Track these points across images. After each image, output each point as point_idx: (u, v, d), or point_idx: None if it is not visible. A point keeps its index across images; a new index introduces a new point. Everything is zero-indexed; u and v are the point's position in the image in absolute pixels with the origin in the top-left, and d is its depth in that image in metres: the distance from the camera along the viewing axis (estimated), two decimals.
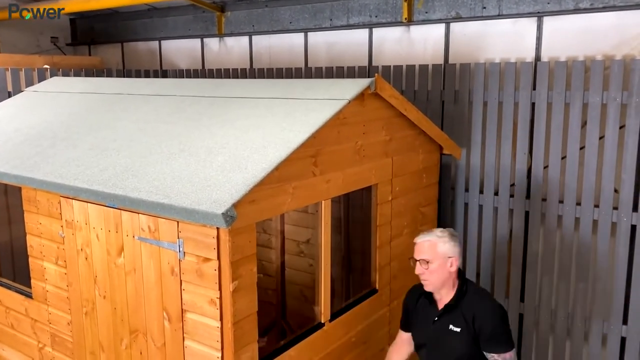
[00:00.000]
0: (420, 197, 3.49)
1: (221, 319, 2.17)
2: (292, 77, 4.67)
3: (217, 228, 2.09)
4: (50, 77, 4.78)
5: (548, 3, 3.59)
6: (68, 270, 2.77)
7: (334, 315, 2.78)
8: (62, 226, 2.75)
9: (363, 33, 4.46)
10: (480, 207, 3.89)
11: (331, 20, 4.59)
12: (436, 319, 2.55)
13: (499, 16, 3.79)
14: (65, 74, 5.03)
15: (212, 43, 5.47)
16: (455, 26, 4.02)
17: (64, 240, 2.76)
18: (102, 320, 2.65)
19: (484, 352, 2.45)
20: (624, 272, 3.44)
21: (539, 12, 3.63)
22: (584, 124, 3.46)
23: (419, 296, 2.68)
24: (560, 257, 3.64)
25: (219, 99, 3.09)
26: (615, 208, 3.42)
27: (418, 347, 2.67)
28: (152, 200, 2.17)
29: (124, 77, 5.71)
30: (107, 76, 5.41)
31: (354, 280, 3.97)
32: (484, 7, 3.84)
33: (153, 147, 2.65)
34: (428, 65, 3.99)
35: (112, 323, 2.61)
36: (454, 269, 2.49)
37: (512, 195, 3.76)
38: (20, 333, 3.21)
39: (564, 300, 3.66)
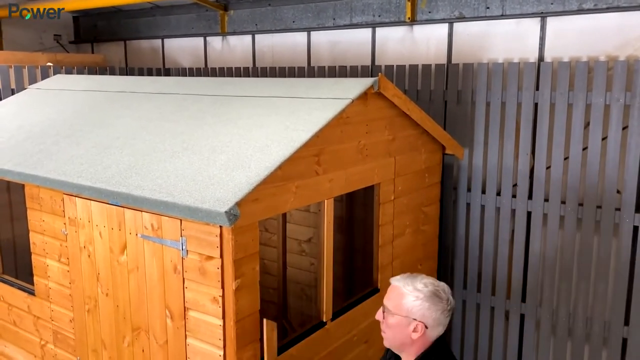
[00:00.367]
0: (423, 196, 3.49)
1: (223, 317, 2.18)
2: (294, 76, 4.67)
3: (220, 226, 2.10)
4: (54, 74, 4.79)
5: (551, 3, 3.58)
6: (71, 267, 2.78)
7: (335, 314, 2.78)
8: (65, 223, 2.76)
9: (366, 32, 4.46)
10: (483, 207, 3.89)
11: (334, 19, 4.58)
12: None
13: (503, 16, 3.78)
14: (69, 71, 5.04)
15: (215, 41, 5.48)
16: (458, 26, 4.02)
17: (66, 238, 2.77)
18: (105, 318, 2.66)
19: None
20: (625, 274, 3.44)
21: (542, 13, 3.63)
22: (586, 125, 3.45)
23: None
24: (562, 258, 3.64)
25: (222, 98, 3.09)
26: (618, 209, 3.42)
27: None
28: (155, 199, 2.18)
29: (126, 75, 5.71)
30: (110, 74, 5.41)
31: (355, 279, 3.97)
32: (488, 7, 3.83)
33: (156, 145, 2.66)
34: (431, 65, 3.98)
35: (114, 320, 2.61)
36: (417, 335, 1.87)
37: (514, 196, 3.76)
38: (22, 330, 3.22)
39: (565, 301, 3.66)
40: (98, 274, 2.64)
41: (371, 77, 3.91)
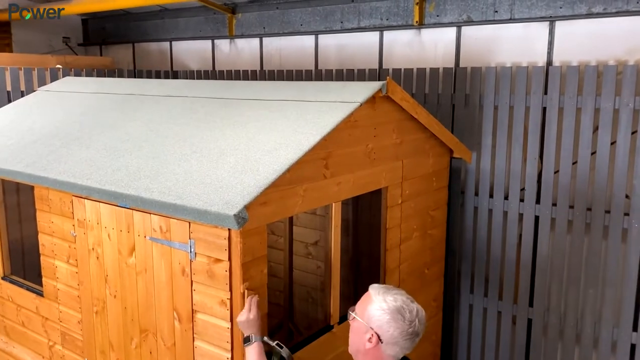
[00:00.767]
0: (430, 200, 3.48)
1: (231, 320, 2.18)
2: (302, 79, 4.68)
3: (229, 229, 2.10)
4: (63, 77, 4.82)
5: (560, 7, 3.58)
6: (79, 269, 2.80)
7: (342, 318, 2.78)
8: (74, 225, 2.77)
9: (374, 36, 4.46)
10: (490, 211, 3.88)
11: (342, 22, 4.59)
12: None
13: (511, 20, 3.78)
14: (77, 73, 5.07)
15: (223, 44, 5.50)
16: (466, 30, 4.02)
17: (75, 240, 2.78)
18: (113, 320, 2.67)
19: None
20: (634, 279, 3.42)
21: (551, 17, 3.62)
22: (595, 129, 3.44)
23: None
24: (570, 263, 3.63)
25: (230, 101, 3.10)
26: (627, 214, 3.40)
27: None
28: (164, 201, 2.19)
29: (134, 77, 5.74)
30: (118, 76, 5.44)
31: (361, 283, 3.97)
32: (496, 11, 3.83)
33: (165, 148, 2.67)
34: (439, 68, 3.98)
35: (122, 322, 2.62)
36: (370, 346, 1.84)
37: (522, 200, 3.74)
38: (30, 331, 3.23)
39: (573, 305, 3.65)
40: (106, 275, 2.65)
41: (378, 80, 3.91)
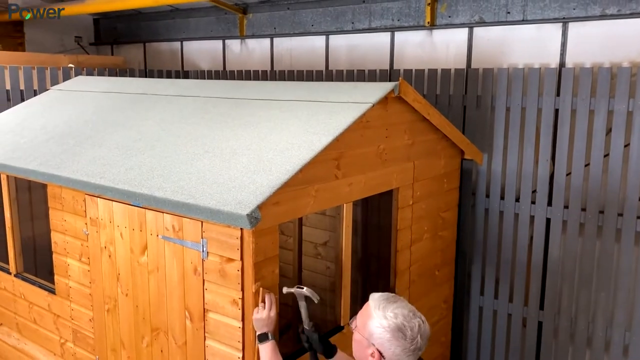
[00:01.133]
0: (441, 201, 3.47)
1: (243, 320, 2.19)
2: (312, 80, 4.68)
3: (241, 229, 2.11)
4: (75, 76, 4.85)
5: (574, 9, 3.55)
6: (91, 267, 2.81)
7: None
8: (86, 224, 2.79)
9: (385, 37, 4.45)
10: (501, 213, 3.86)
11: (353, 23, 4.59)
12: None
13: (523, 21, 3.76)
14: (89, 73, 5.10)
15: (234, 44, 5.51)
16: (478, 31, 4.00)
17: (88, 238, 2.80)
18: (124, 318, 2.68)
19: None
20: None
21: (564, 18, 3.60)
22: (608, 131, 3.41)
23: None
24: (582, 265, 3.60)
25: (242, 101, 3.11)
26: (639, 217, 3.38)
27: None
28: (177, 200, 2.20)
29: (146, 77, 5.77)
30: (130, 76, 5.47)
31: (370, 284, 3.96)
32: (508, 12, 3.81)
33: (177, 147, 2.68)
34: (450, 69, 3.97)
35: (133, 321, 2.63)
36: (375, 359, 1.79)
37: (533, 202, 3.72)
38: (42, 328, 3.26)
39: (584, 308, 3.62)
40: (118, 274, 2.66)
41: (389, 81, 3.91)
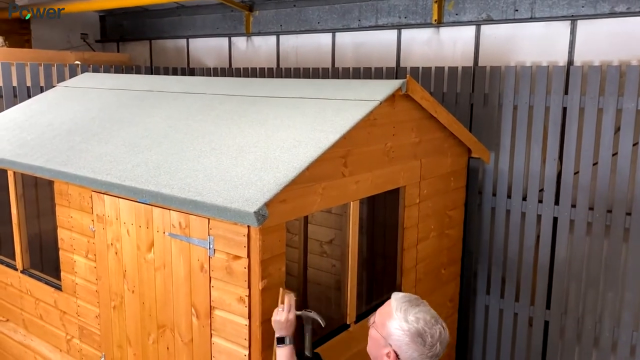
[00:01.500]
0: (448, 200, 3.46)
1: (249, 317, 2.18)
2: (318, 77, 4.67)
3: (248, 226, 2.10)
4: (81, 73, 4.86)
5: (582, 7, 3.53)
6: (98, 264, 2.81)
7: (359, 317, 2.77)
8: (93, 220, 2.79)
9: (391, 34, 4.43)
10: (508, 211, 3.84)
11: (359, 20, 4.57)
12: None
13: (532, 19, 3.73)
14: (96, 69, 5.10)
15: (240, 42, 5.50)
16: (485, 28, 3.98)
17: (94, 235, 2.80)
18: (130, 315, 2.68)
19: None
20: None
21: (572, 16, 3.57)
22: (617, 130, 3.39)
23: None
24: (589, 265, 3.58)
25: (248, 98, 3.10)
26: None
27: None
28: (184, 197, 2.19)
29: (152, 74, 5.77)
30: (136, 73, 5.47)
31: (376, 282, 3.95)
32: (516, 10, 3.79)
33: (184, 144, 2.68)
34: (457, 67, 3.95)
35: (140, 318, 2.64)
36: (391, 359, 1.78)
37: (540, 201, 3.70)
38: (48, 324, 3.27)
39: (591, 308, 3.60)
40: (125, 271, 2.66)
41: (396, 79, 3.89)
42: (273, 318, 2.12)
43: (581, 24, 3.59)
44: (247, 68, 5.26)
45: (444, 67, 4.00)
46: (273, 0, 5.04)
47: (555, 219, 3.67)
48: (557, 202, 3.64)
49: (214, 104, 3.14)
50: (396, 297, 1.84)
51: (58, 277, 3.12)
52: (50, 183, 3.04)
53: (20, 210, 3.38)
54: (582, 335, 3.65)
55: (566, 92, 3.53)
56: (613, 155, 3.41)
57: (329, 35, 4.81)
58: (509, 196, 3.82)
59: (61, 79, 4.69)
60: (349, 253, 2.68)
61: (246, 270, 2.15)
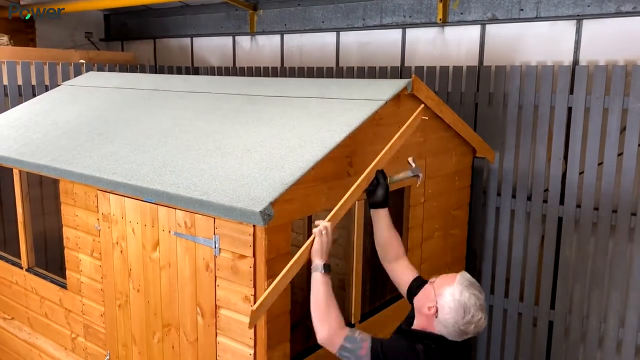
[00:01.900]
0: (452, 200, 3.45)
1: None
2: (323, 77, 4.67)
3: (254, 225, 2.10)
4: (86, 71, 4.86)
5: (588, 6, 3.52)
6: (103, 262, 2.82)
7: (364, 316, 2.77)
8: (98, 219, 2.79)
9: (396, 33, 4.43)
10: (513, 211, 3.83)
11: (364, 20, 4.57)
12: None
13: (537, 18, 3.72)
14: (100, 68, 5.11)
15: (244, 41, 5.50)
16: (490, 28, 3.97)
17: (99, 233, 2.80)
18: (135, 313, 2.69)
19: None
20: None
21: (578, 15, 3.56)
22: (622, 130, 3.38)
23: None
24: (594, 265, 3.57)
25: (253, 97, 3.10)
26: None
27: None
28: (190, 197, 2.20)
29: (156, 73, 5.78)
30: (140, 72, 5.48)
31: (379, 282, 3.95)
32: (521, 9, 3.78)
33: (190, 143, 2.68)
34: (462, 67, 3.94)
35: (145, 316, 2.64)
36: (427, 312, 2.00)
37: (545, 201, 3.70)
38: (54, 322, 3.27)
39: (596, 309, 3.59)
40: (130, 269, 2.67)
41: (401, 78, 3.89)
42: (317, 240, 2.08)
43: (587, 24, 3.58)
44: (251, 67, 5.27)
45: (448, 66, 4.00)
46: None
47: (560, 219, 3.66)
48: (562, 202, 3.63)
49: (219, 103, 3.14)
50: (464, 274, 2.06)
51: (63, 276, 3.13)
52: (55, 182, 3.05)
53: (26, 208, 3.38)
54: (587, 335, 3.65)
55: (571, 92, 3.52)
56: (618, 155, 3.40)
57: (334, 34, 4.81)
58: (513, 196, 3.81)
59: (66, 77, 4.70)
60: (354, 253, 2.68)
61: (252, 269, 2.15)
